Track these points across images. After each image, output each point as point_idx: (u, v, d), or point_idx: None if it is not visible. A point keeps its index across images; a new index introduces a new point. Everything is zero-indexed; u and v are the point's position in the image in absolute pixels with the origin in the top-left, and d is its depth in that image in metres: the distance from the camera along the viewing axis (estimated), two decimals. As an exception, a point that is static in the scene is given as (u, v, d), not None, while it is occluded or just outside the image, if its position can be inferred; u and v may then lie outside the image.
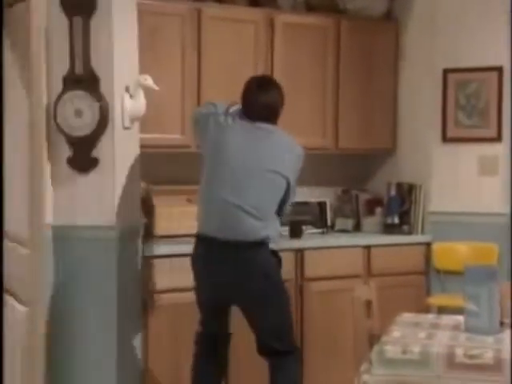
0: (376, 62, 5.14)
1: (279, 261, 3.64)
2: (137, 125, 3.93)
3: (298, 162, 3.63)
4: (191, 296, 4.06)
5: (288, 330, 3.64)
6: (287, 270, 4.30)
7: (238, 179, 3.47)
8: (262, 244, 3.49)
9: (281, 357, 3.59)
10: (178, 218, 4.42)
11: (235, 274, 3.47)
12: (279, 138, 3.60)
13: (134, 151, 3.94)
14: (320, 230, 5.03)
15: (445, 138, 5.03)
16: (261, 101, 3.59)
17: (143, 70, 3.91)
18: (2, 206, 3.65)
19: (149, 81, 3.80)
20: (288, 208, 3.69)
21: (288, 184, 3.56)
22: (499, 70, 4.85)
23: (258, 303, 3.52)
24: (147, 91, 3.83)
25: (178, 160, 4.61)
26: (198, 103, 4.42)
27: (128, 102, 3.77)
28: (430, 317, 3.46)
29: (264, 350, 3.62)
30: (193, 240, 3.93)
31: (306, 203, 5.05)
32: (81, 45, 3.63)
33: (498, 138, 4.89)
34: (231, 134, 3.54)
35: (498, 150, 4.90)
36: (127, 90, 3.78)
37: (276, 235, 3.59)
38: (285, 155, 3.55)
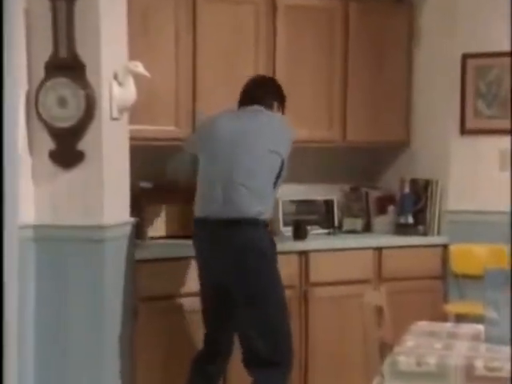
0: (388, 47, 5.15)
1: (274, 244, 3.80)
2: (126, 115, 3.93)
3: (290, 140, 3.86)
4: (185, 302, 4.09)
5: (283, 336, 3.68)
6: (290, 274, 4.34)
7: (227, 158, 3.71)
8: (256, 221, 3.65)
9: (268, 369, 3.61)
10: (172, 217, 4.45)
11: (231, 253, 3.62)
12: (268, 115, 3.86)
13: (124, 144, 3.95)
14: (326, 231, 5.04)
15: (463, 130, 5.04)
16: (253, 90, 3.93)
17: (133, 55, 3.91)
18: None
19: (139, 67, 3.81)
20: (280, 183, 3.87)
21: (282, 161, 3.78)
22: (523, 55, 4.85)
23: (253, 290, 3.63)
24: (138, 79, 3.83)
25: (172, 154, 4.60)
26: (194, 92, 4.45)
27: (116, 91, 3.77)
28: (448, 325, 3.47)
29: (250, 356, 3.65)
30: (187, 242, 3.96)
31: (311, 201, 5.07)
32: (64, 28, 3.63)
33: (521, 130, 4.89)
34: (219, 123, 3.84)
35: (522, 142, 4.90)
36: (115, 77, 3.79)
37: (270, 210, 3.80)
38: (275, 131, 3.80)
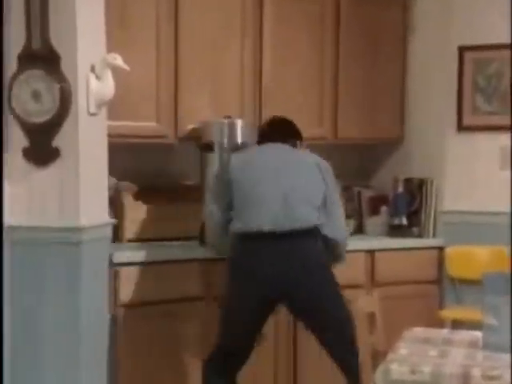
0: (381, 39, 5.16)
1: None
2: (104, 110, 3.92)
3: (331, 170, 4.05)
4: (167, 309, 4.07)
5: (354, 330, 3.76)
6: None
7: (276, 176, 3.82)
8: (315, 232, 3.78)
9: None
10: (152, 219, 4.44)
11: (290, 265, 3.71)
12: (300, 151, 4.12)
13: (102, 141, 3.93)
14: (316, 233, 5.03)
15: (461, 127, 5.05)
16: (277, 129, 4.10)
17: (111, 47, 3.89)
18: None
19: (118, 60, 3.80)
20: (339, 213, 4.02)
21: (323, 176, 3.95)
22: (524, 47, 4.86)
23: (316, 297, 3.77)
24: (116, 72, 3.82)
25: (153, 152, 4.61)
26: (176, 85, 4.43)
27: (94, 84, 3.76)
28: (443, 332, 3.47)
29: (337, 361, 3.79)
30: (170, 244, 3.94)
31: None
32: (38, 17, 3.62)
33: (522, 126, 4.90)
34: (255, 154, 4.01)
35: (522, 139, 4.91)
36: (93, 70, 3.78)
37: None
38: (316, 160, 4.00)
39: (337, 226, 3.94)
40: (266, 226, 3.73)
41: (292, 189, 3.80)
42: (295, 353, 4.57)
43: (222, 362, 3.88)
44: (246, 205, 3.81)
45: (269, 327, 4.09)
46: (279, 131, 4.09)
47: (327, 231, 3.87)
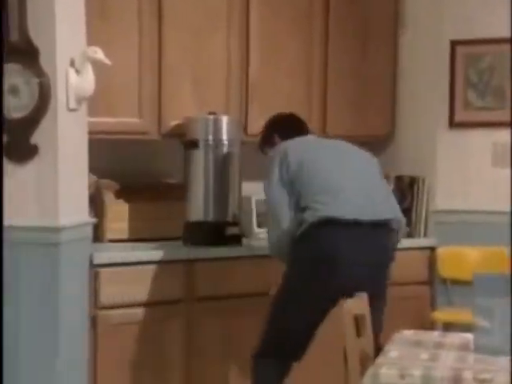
0: (371, 32, 5.17)
1: None
2: (84, 106, 3.91)
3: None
4: (149, 312, 4.06)
5: None
6: (268, 277, 4.30)
7: (342, 165, 3.88)
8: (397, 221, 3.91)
9: None
10: (134, 218, 4.44)
11: (383, 255, 3.83)
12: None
13: (82, 137, 3.92)
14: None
15: (453, 123, 5.07)
16: (298, 123, 4.21)
17: (92, 40, 3.88)
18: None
19: (99, 53, 3.78)
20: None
21: None
22: (516, 41, 4.87)
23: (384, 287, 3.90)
24: (97, 66, 3.81)
25: (135, 149, 4.60)
26: (159, 80, 4.42)
27: (73, 79, 3.75)
28: (434, 334, 3.47)
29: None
30: (152, 245, 3.93)
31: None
32: (16, 8, 3.60)
33: (515, 122, 4.91)
34: (306, 144, 4.03)
35: (516, 136, 4.92)
36: (72, 64, 3.76)
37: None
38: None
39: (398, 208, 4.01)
40: (361, 215, 3.73)
41: (368, 178, 3.90)
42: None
43: (279, 356, 3.82)
44: (327, 193, 3.77)
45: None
46: (302, 125, 4.19)
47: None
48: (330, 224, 3.71)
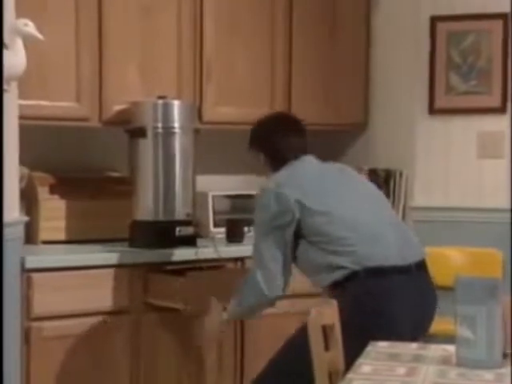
0: (341, 9, 5.18)
1: None
2: (14, 87, 3.88)
3: None
4: (87, 323, 4.03)
5: None
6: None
7: (361, 198, 3.70)
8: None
9: None
10: (72, 216, 4.43)
11: (430, 302, 3.81)
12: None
13: (11, 123, 3.88)
14: (267, 232, 5.01)
15: (432, 110, 5.09)
16: (297, 137, 3.79)
17: (21, 12, 3.84)
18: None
19: (30, 27, 3.74)
20: None
21: None
22: (504, 17, 4.90)
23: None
24: (28, 41, 3.76)
25: (73, 137, 4.59)
26: (100, 58, 4.41)
27: (2, 56, 3.68)
28: (413, 346, 3.46)
29: None
30: (92, 248, 3.88)
31: (248, 196, 5.03)
32: None
33: (502, 109, 4.95)
34: (310, 178, 3.70)
35: (504, 124, 4.95)
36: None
37: None
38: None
39: None
40: (396, 259, 3.60)
41: (390, 214, 3.82)
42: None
43: None
44: (351, 237, 3.57)
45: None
46: (301, 139, 3.80)
47: None
48: (377, 274, 3.58)
